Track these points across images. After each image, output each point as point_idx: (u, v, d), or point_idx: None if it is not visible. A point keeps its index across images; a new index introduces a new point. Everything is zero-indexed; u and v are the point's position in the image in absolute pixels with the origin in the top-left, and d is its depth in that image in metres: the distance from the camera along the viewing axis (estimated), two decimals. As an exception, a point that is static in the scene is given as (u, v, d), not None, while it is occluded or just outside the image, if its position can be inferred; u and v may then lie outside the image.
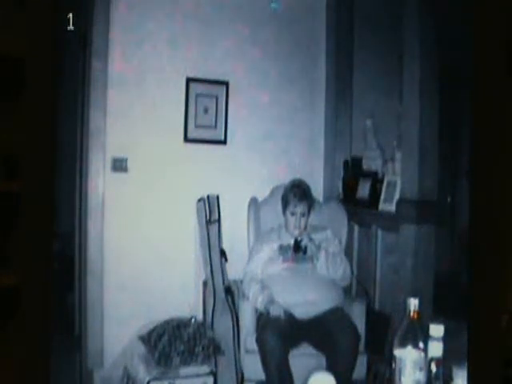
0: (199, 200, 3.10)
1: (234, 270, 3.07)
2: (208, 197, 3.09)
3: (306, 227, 2.84)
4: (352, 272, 3.00)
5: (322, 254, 2.75)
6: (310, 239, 2.76)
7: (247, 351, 2.66)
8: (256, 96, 3.37)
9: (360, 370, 2.54)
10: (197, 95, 3.22)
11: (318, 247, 2.75)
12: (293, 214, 2.83)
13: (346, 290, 2.96)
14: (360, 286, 3.19)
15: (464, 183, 3.69)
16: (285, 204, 2.87)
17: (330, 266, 2.75)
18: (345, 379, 2.35)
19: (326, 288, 2.69)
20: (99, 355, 2.99)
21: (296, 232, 2.81)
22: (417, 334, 1.43)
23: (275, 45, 3.40)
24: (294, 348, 2.52)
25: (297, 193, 2.85)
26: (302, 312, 2.61)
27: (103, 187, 3.02)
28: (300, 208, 2.82)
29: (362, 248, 3.25)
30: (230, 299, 3.00)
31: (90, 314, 2.99)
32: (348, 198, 3.37)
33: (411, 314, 1.45)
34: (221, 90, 3.27)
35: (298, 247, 2.75)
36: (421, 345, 1.43)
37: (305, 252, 2.74)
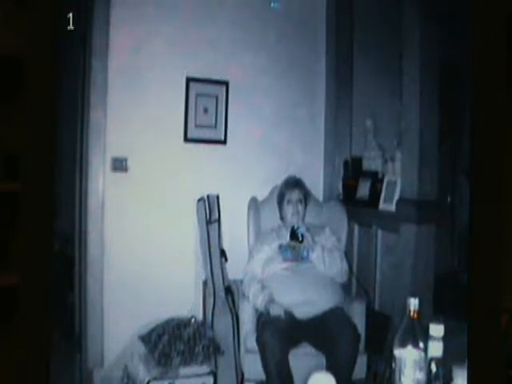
0: (199, 200, 3.10)
1: (234, 270, 3.07)
2: (208, 197, 3.09)
3: (303, 218, 2.87)
4: (351, 270, 3.01)
5: (319, 247, 2.76)
6: (307, 229, 2.77)
7: (247, 351, 2.66)
8: (256, 96, 3.37)
9: (360, 370, 2.54)
10: (197, 95, 3.22)
11: (314, 240, 2.77)
12: (289, 201, 2.88)
13: (346, 290, 2.96)
14: (360, 286, 3.19)
15: (464, 183, 3.69)
16: (280, 197, 2.93)
17: (327, 258, 2.75)
18: (345, 379, 2.35)
19: (325, 287, 2.69)
20: (99, 355, 2.99)
21: (294, 219, 2.83)
22: (417, 334, 1.43)
23: (275, 45, 3.40)
24: (294, 348, 2.52)
25: (290, 182, 2.96)
26: (302, 312, 2.61)
27: (103, 187, 3.02)
28: (295, 194, 2.88)
29: (362, 248, 3.25)
30: (230, 299, 3.00)
31: (90, 313, 2.99)
32: (348, 198, 3.37)
33: (411, 313, 1.44)
34: (221, 90, 3.27)
35: (294, 234, 2.75)
36: (421, 345, 1.43)
37: (301, 241, 2.74)
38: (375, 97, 3.51)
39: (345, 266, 2.83)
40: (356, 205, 3.26)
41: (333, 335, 2.46)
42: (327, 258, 2.75)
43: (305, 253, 2.78)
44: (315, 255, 2.75)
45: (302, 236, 2.74)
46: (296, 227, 2.76)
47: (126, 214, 3.07)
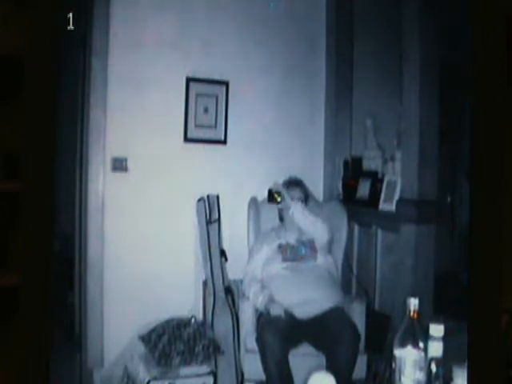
0: (199, 200, 3.10)
1: (234, 270, 3.07)
2: (208, 197, 3.09)
3: None
4: (351, 269, 3.00)
5: (298, 204, 2.79)
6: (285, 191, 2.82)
7: (247, 351, 2.66)
8: (256, 96, 3.36)
9: (360, 370, 2.54)
10: (197, 95, 3.22)
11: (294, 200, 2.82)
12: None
13: (346, 290, 2.96)
14: (360, 286, 3.19)
15: (464, 183, 3.69)
16: None
17: (307, 213, 2.77)
18: (345, 379, 2.35)
19: (325, 287, 2.69)
20: (99, 355, 2.99)
21: None
22: (417, 334, 1.43)
23: (275, 45, 3.40)
24: (294, 348, 2.52)
25: (291, 181, 2.95)
26: (302, 312, 2.61)
27: (103, 187, 3.02)
28: (296, 193, 2.86)
29: (361, 248, 3.25)
30: (230, 299, 2.99)
31: (90, 314, 2.99)
32: (348, 198, 3.37)
33: (411, 313, 1.44)
34: (221, 90, 3.27)
35: (271, 195, 2.81)
36: (421, 345, 1.43)
37: (279, 202, 2.80)
38: (375, 97, 3.51)
39: (326, 226, 2.82)
40: (356, 205, 3.26)
41: (333, 335, 2.47)
42: (307, 213, 2.78)
43: (303, 251, 2.79)
44: (292, 210, 2.76)
45: (280, 195, 2.77)
46: (271, 188, 2.81)
47: (125, 214, 3.07)
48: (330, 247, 2.89)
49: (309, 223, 2.77)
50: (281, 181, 3.02)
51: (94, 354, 2.98)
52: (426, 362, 1.46)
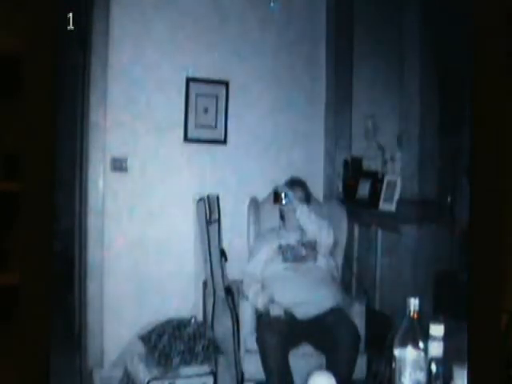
0: (199, 200, 3.10)
1: (234, 270, 3.07)
2: (208, 197, 3.09)
3: None
4: (351, 269, 3.00)
5: (304, 206, 2.77)
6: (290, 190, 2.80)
7: (247, 351, 2.66)
8: (256, 96, 3.36)
9: (360, 369, 2.54)
10: (197, 95, 3.22)
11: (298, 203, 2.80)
12: None
13: (346, 290, 2.96)
14: (360, 285, 3.19)
15: (464, 183, 3.69)
16: None
17: (312, 216, 2.75)
18: (345, 379, 2.35)
19: (326, 288, 2.69)
20: (99, 355, 2.99)
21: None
22: (417, 334, 1.43)
23: (275, 45, 3.40)
24: (294, 348, 2.52)
25: (293, 181, 2.95)
26: (302, 312, 2.61)
27: (103, 187, 3.02)
28: (298, 193, 2.86)
29: (362, 248, 3.25)
30: (230, 299, 2.99)
31: (90, 314, 2.99)
32: (348, 198, 3.37)
33: (411, 313, 1.44)
34: (221, 90, 3.27)
35: (277, 196, 2.78)
36: (421, 345, 1.43)
37: (285, 203, 2.78)
38: (375, 97, 3.50)
39: (331, 230, 2.81)
40: (356, 205, 3.26)
41: (333, 335, 2.47)
42: (313, 216, 2.76)
43: (304, 252, 2.79)
44: (299, 212, 2.74)
45: (286, 196, 2.75)
46: (277, 188, 2.79)
47: (125, 214, 3.07)
48: (332, 249, 2.89)
49: (315, 227, 2.76)
50: (283, 181, 3.02)
51: (94, 354, 2.99)
52: (426, 362, 1.46)
